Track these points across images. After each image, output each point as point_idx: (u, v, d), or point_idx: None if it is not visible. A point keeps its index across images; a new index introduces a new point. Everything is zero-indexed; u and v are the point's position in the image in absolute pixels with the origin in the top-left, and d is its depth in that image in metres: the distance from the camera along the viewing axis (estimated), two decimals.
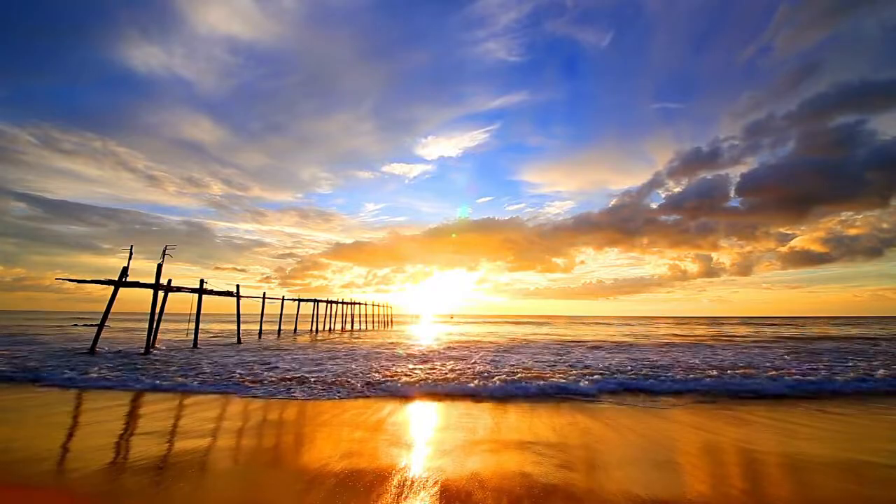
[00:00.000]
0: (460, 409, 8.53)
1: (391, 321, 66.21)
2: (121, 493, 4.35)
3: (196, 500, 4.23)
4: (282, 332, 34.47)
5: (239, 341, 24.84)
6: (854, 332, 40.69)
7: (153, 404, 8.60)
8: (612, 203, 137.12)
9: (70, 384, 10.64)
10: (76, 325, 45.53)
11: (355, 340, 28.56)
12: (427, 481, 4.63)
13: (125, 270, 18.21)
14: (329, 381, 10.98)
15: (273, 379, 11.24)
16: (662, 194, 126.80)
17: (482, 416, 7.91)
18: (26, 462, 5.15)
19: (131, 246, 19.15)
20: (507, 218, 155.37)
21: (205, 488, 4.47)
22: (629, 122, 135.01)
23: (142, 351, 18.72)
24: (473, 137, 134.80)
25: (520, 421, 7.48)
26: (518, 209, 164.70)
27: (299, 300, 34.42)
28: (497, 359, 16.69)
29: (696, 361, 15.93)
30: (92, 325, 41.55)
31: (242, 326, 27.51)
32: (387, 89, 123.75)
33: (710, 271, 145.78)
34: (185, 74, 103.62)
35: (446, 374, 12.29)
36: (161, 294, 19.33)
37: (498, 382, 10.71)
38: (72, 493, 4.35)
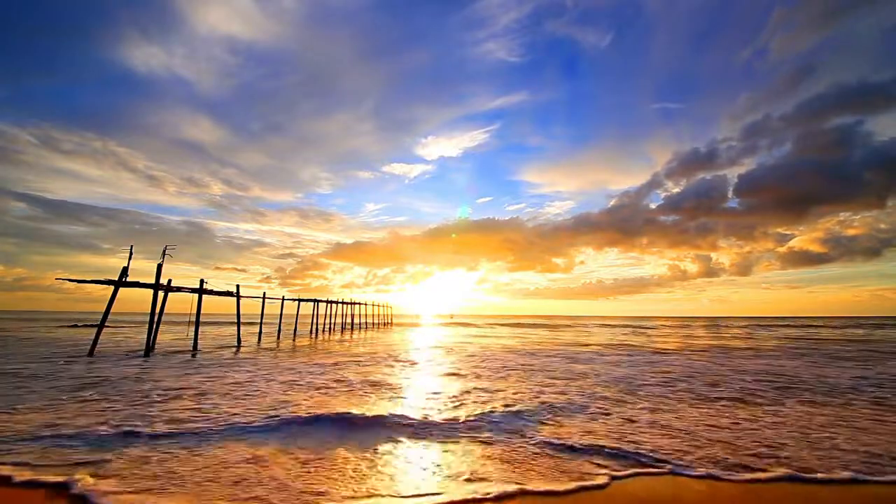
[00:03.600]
0: None
1: (391, 322, 66.09)
2: None
3: None
4: (282, 333, 34.32)
5: (239, 343, 24.77)
6: None
7: None
8: (612, 203, 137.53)
9: None
10: (76, 326, 45.42)
11: (347, 351, 28.37)
12: None
13: (125, 270, 18.07)
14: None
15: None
16: (661, 195, 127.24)
17: None
18: None
19: (131, 246, 19.06)
20: (507, 218, 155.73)
21: None
22: (629, 122, 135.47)
23: (142, 354, 18.71)
24: (473, 137, 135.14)
25: None
26: (518, 209, 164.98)
27: (299, 300, 34.22)
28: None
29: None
30: (91, 326, 41.38)
31: (244, 328, 27.33)
32: (387, 89, 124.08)
33: (710, 271, 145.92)
34: (185, 74, 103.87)
35: None
36: (161, 294, 19.20)
37: None
38: None
